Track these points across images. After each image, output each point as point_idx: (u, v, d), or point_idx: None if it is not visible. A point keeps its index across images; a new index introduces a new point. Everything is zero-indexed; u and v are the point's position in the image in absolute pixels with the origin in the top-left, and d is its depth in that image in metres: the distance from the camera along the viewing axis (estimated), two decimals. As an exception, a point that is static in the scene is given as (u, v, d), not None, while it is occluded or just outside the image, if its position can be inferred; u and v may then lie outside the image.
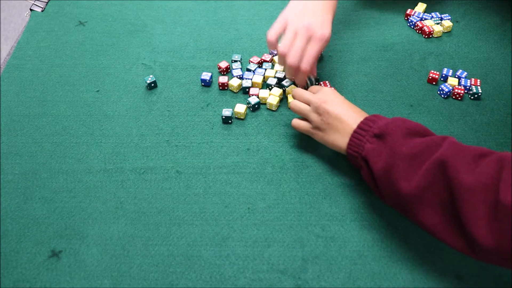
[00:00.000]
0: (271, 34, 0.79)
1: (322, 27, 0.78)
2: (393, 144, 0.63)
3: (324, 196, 0.73)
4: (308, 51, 0.78)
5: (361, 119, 0.69)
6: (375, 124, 0.67)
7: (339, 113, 0.71)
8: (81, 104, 0.87)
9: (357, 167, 0.70)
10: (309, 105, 0.76)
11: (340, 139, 0.70)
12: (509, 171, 0.53)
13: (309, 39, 0.78)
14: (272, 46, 0.80)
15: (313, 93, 0.77)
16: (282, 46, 0.78)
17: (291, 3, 0.82)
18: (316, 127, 0.74)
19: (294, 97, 0.79)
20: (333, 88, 0.78)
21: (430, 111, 0.84)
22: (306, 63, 0.78)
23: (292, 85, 0.87)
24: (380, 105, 0.85)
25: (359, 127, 0.68)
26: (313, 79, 0.85)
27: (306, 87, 0.84)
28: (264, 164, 0.78)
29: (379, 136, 0.65)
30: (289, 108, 0.83)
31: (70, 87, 0.90)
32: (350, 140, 0.68)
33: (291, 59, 0.78)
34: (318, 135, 0.74)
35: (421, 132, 0.64)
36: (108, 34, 1.00)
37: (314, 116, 0.74)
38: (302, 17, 0.79)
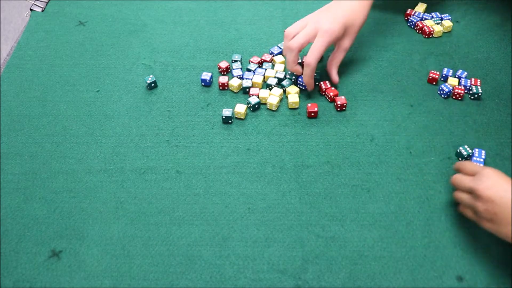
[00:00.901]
0: (289, 29, 0.82)
1: (330, 22, 0.79)
2: None
3: (324, 196, 0.73)
4: (314, 43, 0.79)
5: None
6: None
7: (505, 200, 0.59)
8: (81, 104, 0.87)
9: None
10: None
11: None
12: None
13: (316, 32, 0.79)
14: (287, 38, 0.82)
15: (470, 173, 0.67)
16: (288, 28, 0.82)
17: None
18: (481, 217, 0.63)
19: (454, 185, 0.69)
20: (496, 170, 0.64)
21: (430, 111, 0.84)
22: (310, 56, 0.79)
23: (293, 85, 0.87)
24: (380, 105, 0.85)
25: None
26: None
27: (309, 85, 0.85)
28: (264, 164, 0.78)
29: None
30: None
31: (70, 87, 0.90)
32: None
33: (293, 42, 0.79)
34: (487, 226, 0.63)
35: None
36: (108, 34, 1.00)
37: (476, 205, 0.63)
38: (317, 14, 0.82)
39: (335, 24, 0.80)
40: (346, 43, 0.85)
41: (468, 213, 0.66)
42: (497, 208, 0.60)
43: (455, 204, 0.71)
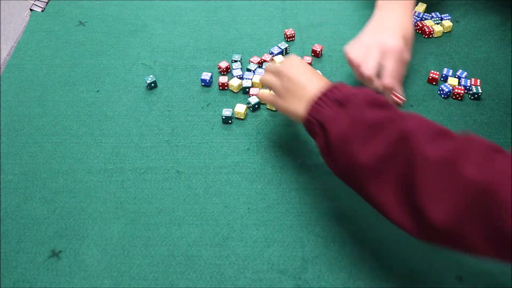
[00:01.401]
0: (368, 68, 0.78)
1: (394, 39, 0.78)
2: (354, 112, 0.59)
3: (324, 196, 0.73)
4: (388, 66, 0.78)
5: (325, 86, 0.64)
6: (338, 91, 0.62)
7: (301, 79, 0.67)
8: (81, 104, 0.87)
9: (313, 136, 0.66)
10: None
11: (299, 106, 0.66)
12: (475, 147, 0.51)
13: (383, 54, 0.78)
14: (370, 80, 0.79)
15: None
16: (350, 54, 0.81)
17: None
18: (278, 95, 0.71)
19: (265, 71, 0.77)
20: (300, 58, 0.74)
21: (430, 111, 0.84)
22: (390, 79, 0.78)
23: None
24: (380, 105, 0.85)
25: (321, 93, 0.63)
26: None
27: (398, 105, 0.83)
28: (264, 164, 0.78)
29: (341, 103, 0.61)
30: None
31: (70, 87, 0.90)
32: (310, 105, 0.64)
33: (367, 70, 0.78)
34: (279, 104, 0.71)
35: (386, 106, 0.60)
36: (108, 34, 1.00)
37: (275, 81, 0.71)
38: (373, 32, 0.82)
39: (398, 39, 0.78)
40: (407, 55, 0.81)
41: (266, 96, 0.76)
42: (290, 84, 0.68)
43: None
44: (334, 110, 0.61)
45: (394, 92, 0.81)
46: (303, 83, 0.67)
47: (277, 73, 0.71)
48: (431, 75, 0.88)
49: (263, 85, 0.76)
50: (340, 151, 0.59)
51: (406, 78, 0.89)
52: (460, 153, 0.51)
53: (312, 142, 0.80)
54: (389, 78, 0.78)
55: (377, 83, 0.79)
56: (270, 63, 0.80)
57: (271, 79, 0.73)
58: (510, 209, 0.46)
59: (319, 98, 0.63)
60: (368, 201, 0.58)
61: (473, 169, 0.49)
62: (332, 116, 0.61)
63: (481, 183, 0.48)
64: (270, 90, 0.85)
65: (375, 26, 0.83)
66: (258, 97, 0.78)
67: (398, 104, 0.82)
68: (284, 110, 0.70)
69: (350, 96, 0.60)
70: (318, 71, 0.90)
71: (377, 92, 0.79)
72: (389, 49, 0.78)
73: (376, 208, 0.57)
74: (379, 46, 0.79)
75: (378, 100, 0.60)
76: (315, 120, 0.63)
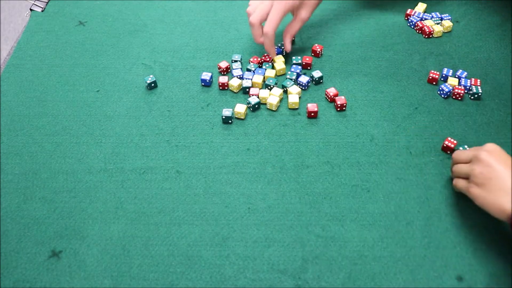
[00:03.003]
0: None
1: None
2: None
3: (324, 196, 0.73)
4: (270, 14, 0.84)
5: None
6: None
7: (504, 171, 0.60)
8: (81, 104, 0.87)
9: None
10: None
11: (504, 199, 0.58)
12: None
13: (272, 4, 0.85)
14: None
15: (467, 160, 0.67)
16: (248, 8, 0.88)
17: None
18: (474, 182, 0.63)
19: (454, 160, 0.71)
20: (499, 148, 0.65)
21: (430, 111, 0.84)
22: (267, 26, 0.84)
23: (294, 85, 0.87)
24: (380, 105, 0.85)
25: None
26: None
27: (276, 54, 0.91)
28: (264, 164, 0.78)
29: None
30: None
31: (70, 87, 0.90)
32: None
33: (253, 18, 0.85)
34: (475, 192, 0.63)
35: None
36: (108, 34, 1.00)
37: (472, 168, 0.64)
38: None
39: None
40: (303, 13, 0.89)
41: (460, 183, 0.67)
42: (493, 174, 0.60)
43: (452, 189, 0.71)
44: None
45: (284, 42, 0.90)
46: (507, 175, 0.60)
47: (476, 159, 0.64)
48: (431, 75, 0.88)
49: (456, 174, 0.68)
50: None
51: (406, 78, 0.90)
52: None
53: (312, 142, 0.80)
54: (267, 27, 0.85)
55: (254, 31, 0.87)
56: (457, 151, 0.71)
57: (464, 167, 0.66)
58: None
59: None
60: None
61: None
62: None
63: None
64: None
65: None
66: (453, 185, 0.69)
67: (286, 51, 0.92)
68: (482, 202, 0.62)
69: None
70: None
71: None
72: (276, 1, 0.85)
73: None
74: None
75: None
76: None
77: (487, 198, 0.61)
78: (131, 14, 1.05)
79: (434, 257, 0.66)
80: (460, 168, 0.68)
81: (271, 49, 0.89)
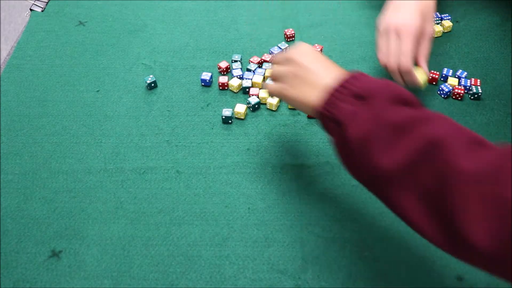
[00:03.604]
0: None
1: (407, 18, 0.76)
2: (377, 110, 0.52)
3: (324, 196, 0.73)
4: (402, 48, 0.76)
5: (341, 76, 0.57)
6: (358, 82, 0.55)
7: (313, 65, 0.61)
8: (81, 104, 0.87)
9: (326, 131, 0.58)
10: None
11: (311, 93, 0.58)
12: (510, 164, 0.44)
13: (398, 35, 0.76)
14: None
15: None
16: (378, 54, 0.79)
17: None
18: (285, 83, 0.63)
19: (272, 62, 0.71)
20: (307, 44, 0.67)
21: (430, 111, 0.84)
22: (405, 62, 0.76)
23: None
24: (380, 105, 0.85)
25: (338, 84, 0.56)
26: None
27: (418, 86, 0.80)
28: (264, 164, 0.78)
29: (361, 98, 0.53)
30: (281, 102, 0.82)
31: (70, 87, 0.90)
32: (325, 98, 0.56)
33: (391, 63, 0.77)
34: (287, 92, 0.63)
35: (412, 103, 0.54)
36: (108, 34, 1.00)
37: (282, 69, 0.64)
38: (389, 17, 0.79)
39: (414, 18, 0.76)
40: (428, 30, 0.79)
41: (271, 86, 0.66)
42: (301, 71, 0.61)
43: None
44: (354, 105, 0.53)
45: (420, 70, 0.79)
46: (316, 70, 0.60)
47: (285, 61, 0.64)
48: (431, 75, 0.88)
49: (273, 77, 0.67)
50: (359, 153, 0.53)
51: (406, 78, 0.90)
52: (501, 169, 0.44)
53: (312, 142, 0.80)
54: (406, 62, 0.75)
55: (394, 70, 0.78)
56: (274, 54, 0.73)
57: (278, 67, 0.66)
58: None
59: (336, 90, 0.55)
60: (393, 210, 0.53)
61: None
62: (350, 113, 0.53)
63: None
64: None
65: (391, 9, 0.81)
66: (264, 87, 0.70)
67: (420, 85, 0.80)
68: (293, 100, 0.63)
69: (372, 90, 0.53)
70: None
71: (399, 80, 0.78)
72: (402, 31, 0.76)
73: (401, 219, 0.52)
74: (395, 29, 0.77)
75: (404, 95, 0.53)
76: (331, 115, 0.55)
77: (296, 95, 0.61)
78: (131, 14, 1.05)
79: (434, 257, 0.67)
80: (274, 69, 0.67)
81: (417, 80, 0.79)
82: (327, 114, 0.56)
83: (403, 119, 0.50)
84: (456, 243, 0.46)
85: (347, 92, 0.55)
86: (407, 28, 0.76)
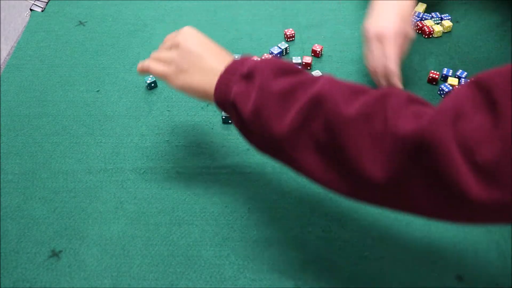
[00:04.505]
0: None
1: (387, 24, 0.77)
2: (262, 83, 0.54)
3: (324, 196, 0.73)
4: (386, 53, 0.77)
5: (229, 60, 0.60)
6: (242, 64, 0.58)
7: (204, 53, 0.62)
8: (81, 104, 0.87)
9: (226, 114, 0.61)
10: None
11: (206, 82, 0.60)
12: (394, 100, 0.48)
13: (380, 42, 0.77)
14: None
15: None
16: (368, 63, 0.80)
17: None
18: (175, 68, 0.63)
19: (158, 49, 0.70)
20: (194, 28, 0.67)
21: (430, 111, 0.84)
22: (391, 65, 0.77)
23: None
24: (380, 105, 0.85)
25: (226, 70, 0.58)
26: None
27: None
28: (264, 164, 0.78)
29: (248, 77, 0.56)
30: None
31: (70, 87, 0.90)
32: (217, 85, 0.58)
33: (375, 72, 0.78)
34: (179, 79, 0.63)
35: (295, 71, 0.56)
36: (108, 34, 1.00)
37: (171, 54, 0.64)
38: (369, 24, 0.79)
39: (393, 21, 0.77)
40: (409, 32, 0.80)
41: (158, 68, 0.66)
42: (192, 58, 0.62)
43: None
44: (242, 86, 0.56)
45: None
46: (205, 56, 0.62)
47: (172, 45, 0.65)
48: (431, 75, 0.88)
49: (159, 61, 0.67)
50: (256, 128, 0.55)
51: (406, 78, 0.89)
52: (377, 106, 0.48)
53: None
54: (389, 65, 0.77)
55: (382, 75, 0.79)
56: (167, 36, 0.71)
57: (166, 54, 0.65)
58: (447, 154, 0.42)
59: (225, 77, 0.58)
60: (300, 173, 0.54)
61: (397, 120, 0.46)
62: (240, 93, 0.56)
63: (409, 134, 0.45)
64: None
65: (371, 15, 0.81)
66: (141, 69, 0.69)
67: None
68: (187, 87, 0.63)
69: (255, 68, 0.56)
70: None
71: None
72: (385, 38, 0.77)
73: (309, 179, 0.54)
74: (376, 35, 0.78)
75: (285, 66, 0.56)
76: (226, 100, 0.58)
77: (190, 82, 0.62)
78: (131, 14, 1.04)
79: (434, 257, 0.67)
80: (160, 54, 0.67)
81: (399, 84, 0.79)
82: (223, 100, 0.58)
83: (286, 87, 0.53)
84: (356, 184, 0.50)
85: (235, 75, 0.57)
86: (387, 33, 0.77)
